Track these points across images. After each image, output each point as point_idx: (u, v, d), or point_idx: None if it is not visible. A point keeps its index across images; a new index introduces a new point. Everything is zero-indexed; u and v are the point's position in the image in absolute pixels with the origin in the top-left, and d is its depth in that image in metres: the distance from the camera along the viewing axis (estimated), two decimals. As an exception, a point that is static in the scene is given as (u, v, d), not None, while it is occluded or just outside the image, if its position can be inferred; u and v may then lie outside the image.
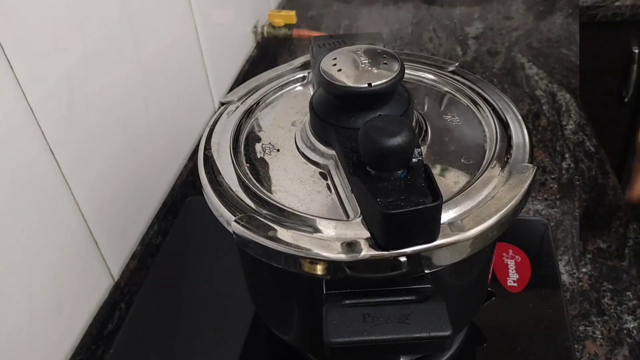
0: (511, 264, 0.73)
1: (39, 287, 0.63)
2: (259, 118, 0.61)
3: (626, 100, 1.41)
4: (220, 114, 0.60)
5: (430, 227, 0.43)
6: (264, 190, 0.51)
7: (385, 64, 0.50)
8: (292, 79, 0.65)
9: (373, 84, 0.48)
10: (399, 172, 0.44)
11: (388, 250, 0.43)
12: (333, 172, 0.51)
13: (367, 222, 0.45)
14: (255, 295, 0.63)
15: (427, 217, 0.42)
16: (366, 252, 0.43)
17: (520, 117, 0.56)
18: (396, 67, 0.49)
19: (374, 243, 0.43)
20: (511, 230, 0.64)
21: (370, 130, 0.43)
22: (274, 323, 0.62)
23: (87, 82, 0.68)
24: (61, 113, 0.64)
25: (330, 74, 0.49)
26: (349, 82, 0.48)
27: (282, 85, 0.64)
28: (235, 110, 0.61)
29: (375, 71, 0.49)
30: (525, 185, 0.47)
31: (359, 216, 0.46)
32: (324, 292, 0.45)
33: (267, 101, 0.63)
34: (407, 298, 0.44)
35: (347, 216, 0.47)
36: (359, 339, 0.42)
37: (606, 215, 0.90)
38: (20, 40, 0.58)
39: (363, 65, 0.50)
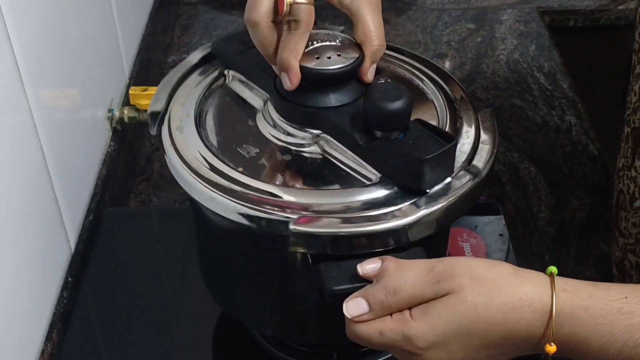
0: (466, 246, 0.76)
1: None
2: (212, 131, 0.60)
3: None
4: (172, 138, 0.59)
5: (450, 164, 0.53)
6: (272, 185, 0.53)
7: (343, 48, 0.56)
8: (214, 85, 0.65)
9: (348, 64, 0.55)
10: (398, 133, 0.52)
11: (425, 192, 0.52)
12: (328, 149, 0.56)
13: (394, 178, 0.52)
14: (232, 294, 0.63)
15: (449, 155, 0.52)
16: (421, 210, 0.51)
17: (462, 88, 0.65)
18: (357, 50, 0.56)
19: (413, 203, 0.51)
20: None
21: (379, 98, 0.51)
22: (254, 317, 0.63)
23: None
24: None
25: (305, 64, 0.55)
26: (330, 66, 0.55)
27: (210, 92, 0.64)
28: (183, 128, 0.59)
29: (341, 55, 0.56)
30: (495, 124, 0.59)
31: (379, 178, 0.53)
32: (311, 262, 0.51)
33: (207, 111, 0.62)
34: (390, 249, 0.51)
35: (369, 180, 0.54)
36: (356, 285, 0.49)
37: (609, 219, 0.90)
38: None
39: (332, 52, 0.56)
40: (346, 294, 0.49)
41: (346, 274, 0.50)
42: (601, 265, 0.83)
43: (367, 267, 0.49)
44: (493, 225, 0.79)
